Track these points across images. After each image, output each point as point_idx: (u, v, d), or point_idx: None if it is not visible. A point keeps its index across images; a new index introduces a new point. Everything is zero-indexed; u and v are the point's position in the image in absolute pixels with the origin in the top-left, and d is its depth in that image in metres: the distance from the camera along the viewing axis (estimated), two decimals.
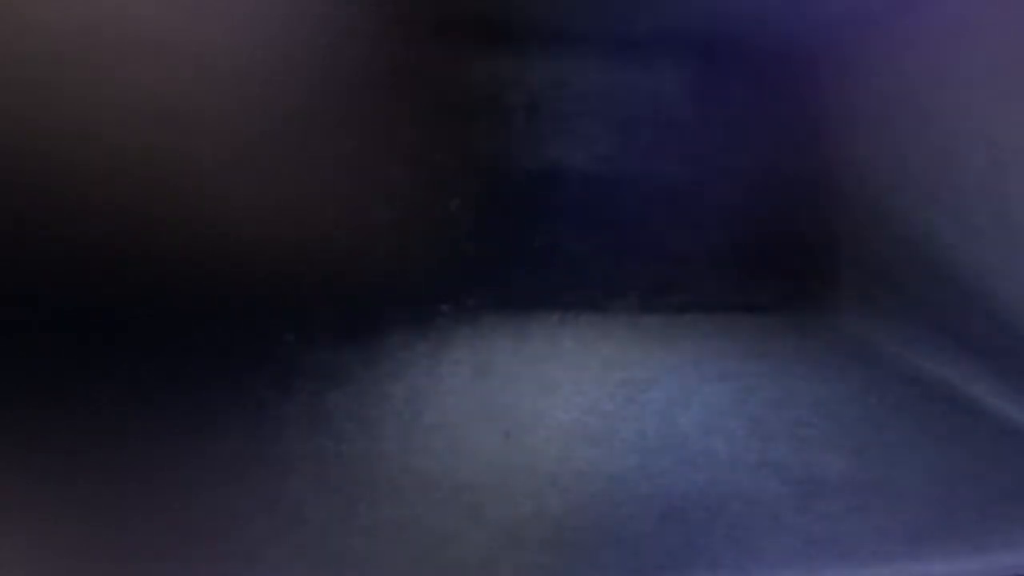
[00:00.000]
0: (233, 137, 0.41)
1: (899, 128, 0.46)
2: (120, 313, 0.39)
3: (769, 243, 0.50)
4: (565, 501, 0.33)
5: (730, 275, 0.49)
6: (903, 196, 0.46)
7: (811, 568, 0.31)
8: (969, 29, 0.40)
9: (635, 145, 0.50)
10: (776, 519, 0.33)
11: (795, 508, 0.33)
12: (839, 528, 0.33)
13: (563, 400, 0.39)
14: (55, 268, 0.39)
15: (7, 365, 0.36)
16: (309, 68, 0.42)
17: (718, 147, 0.50)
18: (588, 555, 0.31)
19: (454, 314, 0.45)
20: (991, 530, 0.32)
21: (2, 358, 0.37)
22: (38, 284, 0.38)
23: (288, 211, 0.43)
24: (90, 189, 0.38)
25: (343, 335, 0.42)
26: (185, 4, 0.39)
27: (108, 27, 0.38)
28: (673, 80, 0.50)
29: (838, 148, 0.50)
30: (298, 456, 0.35)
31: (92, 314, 0.39)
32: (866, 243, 0.50)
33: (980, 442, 0.38)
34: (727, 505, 0.33)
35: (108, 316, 0.39)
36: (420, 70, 0.46)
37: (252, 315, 0.41)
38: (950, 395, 0.41)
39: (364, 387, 0.39)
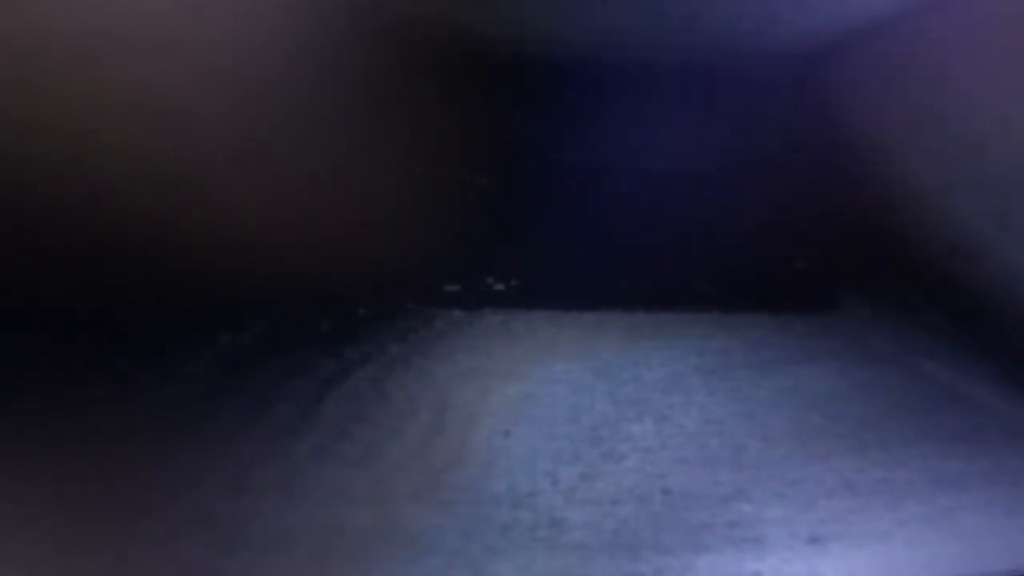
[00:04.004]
0: (232, 137, 0.41)
1: (906, 132, 0.46)
2: (114, 312, 0.39)
3: (771, 244, 0.50)
4: (565, 501, 0.33)
5: (732, 276, 0.49)
6: (906, 197, 0.46)
7: (812, 567, 0.31)
8: (980, 27, 0.40)
9: (637, 145, 0.50)
10: (777, 519, 0.33)
11: (796, 507, 0.33)
12: (840, 527, 0.33)
13: (563, 400, 0.39)
14: (53, 268, 0.39)
15: (8, 365, 0.36)
16: (310, 69, 0.42)
17: (723, 150, 0.51)
18: (588, 555, 0.31)
19: (454, 313, 0.45)
20: (992, 529, 0.32)
21: (3, 358, 0.37)
22: (36, 284, 0.39)
23: (286, 211, 0.43)
24: (86, 189, 0.39)
25: (340, 334, 0.42)
26: (185, 4, 0.39)
27: (108, 27, 0.38)
28: (673, 80, 0.50)
29: (846, 151, 0.50)
30: (295, 456, 0.35)
31: (87, 313, 0.39)
32: (869, 243, 0.50)
33: (982, 441, 0.38)
34: (727, 505, 0.33)
35: (97, 315, 0.39)
36: (422, 70, 0.46)
37: (250, 314, 0.41)
38: (953, 394, 0.41)
39: (362, 386, 0.39)
